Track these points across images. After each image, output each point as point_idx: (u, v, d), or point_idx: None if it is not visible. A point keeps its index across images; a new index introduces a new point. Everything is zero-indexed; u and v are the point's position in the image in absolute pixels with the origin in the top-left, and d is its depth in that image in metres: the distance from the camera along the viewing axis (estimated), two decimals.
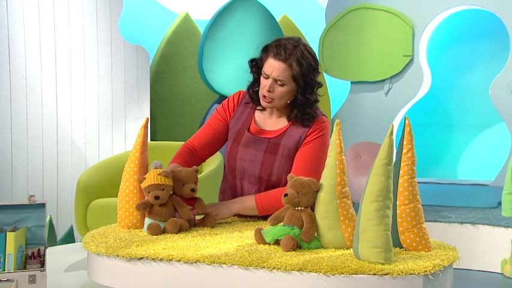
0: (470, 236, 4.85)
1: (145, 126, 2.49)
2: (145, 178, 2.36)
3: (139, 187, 2.41)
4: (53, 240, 5.28)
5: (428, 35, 7.29)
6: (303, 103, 2.63)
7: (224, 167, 2.83)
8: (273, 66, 2.57)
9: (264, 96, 2.62)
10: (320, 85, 2.66)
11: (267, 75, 2.59)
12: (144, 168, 2.49)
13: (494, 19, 6.86)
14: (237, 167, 2.70)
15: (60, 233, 5.60)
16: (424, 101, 7.41)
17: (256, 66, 2.68)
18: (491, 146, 7.31)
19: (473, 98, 7.40)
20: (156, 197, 2.32)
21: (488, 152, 7.33)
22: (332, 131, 2.15)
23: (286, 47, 2.57)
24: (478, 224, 4.87)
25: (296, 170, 2.58)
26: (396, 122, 7.38)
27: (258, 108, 2.74)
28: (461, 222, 4.92)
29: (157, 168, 2.38)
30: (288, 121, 2.68)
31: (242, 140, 2.70)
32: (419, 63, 7.17)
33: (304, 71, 2.58)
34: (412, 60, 7.16)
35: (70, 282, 4.25)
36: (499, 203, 5.51)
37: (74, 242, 5.53)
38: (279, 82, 2.58)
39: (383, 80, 7.30)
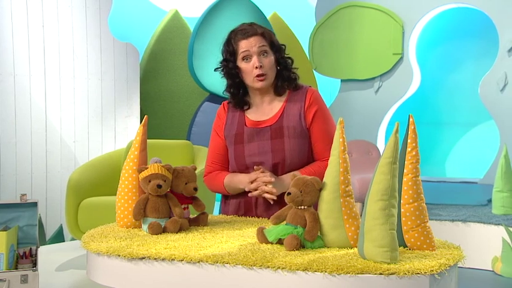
0: (461, 233, 4.86)
1: (145, 125, 2.46)
2: (146, 168, 2.34)
3: (139, 186, 2.39)
4: (42, 240, 5.25)
5: (418, 33, 7.32)
6: (285, 64, 2.70)
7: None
8: (250, 43, 2.63)
9: (257, 76, 2.63)
10: (284, 45, 2.74)
11: (248, 55, 2.63)
12: None
13: (483, 17, 6.90)
14: (247, 163, 2.68)
15: (49, 232, 5.56)
16: (414, 99, 7.43)
17: (231, 61, 2.68)
18: (480, 143, 7.35)
19: (463, 95, 7.44)
20: (159, 186, 2.30)
21: (477, 150, 7.38)
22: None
23: (245, 27, 2.67)
24: (469, 221, 4.89)
25: (319, 151, 2.65)
26: (386, 120, 7.40)
27: (245, 108, 2.75)
28: (452, 220, 4.93)
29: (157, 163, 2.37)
30: (279, 94, 2.71)
31: (244, 137, 2.69)
32: (409, 61, 7.20)
33: (273, 36, 2.69)
34: (401, 58, 7.19)
35: (62, 282, 4.22)
36: (489, 201, 5.54)
37: (64, 241, 5.49)
38: (263, 54, 2.63)
39: (373, 78, 7.33)
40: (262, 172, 2.60)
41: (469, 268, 4.70)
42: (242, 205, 2.71)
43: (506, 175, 5.00)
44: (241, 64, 2.66)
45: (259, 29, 2.65)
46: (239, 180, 2.67)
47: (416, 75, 7.29)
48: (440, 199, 5.69)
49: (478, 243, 4.78)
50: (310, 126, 2.67)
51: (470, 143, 7.46)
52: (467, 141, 7.49)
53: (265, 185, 2.56)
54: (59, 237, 5.50)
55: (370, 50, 7.28)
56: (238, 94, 2.73)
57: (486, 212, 5.16)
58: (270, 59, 2.64)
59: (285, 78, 2.70)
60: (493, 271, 4.72)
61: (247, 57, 2.64)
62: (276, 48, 2.68)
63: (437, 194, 6.06)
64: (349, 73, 7.42)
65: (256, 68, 2.62)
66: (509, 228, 4.63)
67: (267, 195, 2.57)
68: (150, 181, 2.33)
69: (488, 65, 6.87)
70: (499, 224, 4.72)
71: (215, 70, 2.75)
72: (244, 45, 2.63)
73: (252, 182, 2.59)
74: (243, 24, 2.71)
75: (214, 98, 6.26)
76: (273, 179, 2.56)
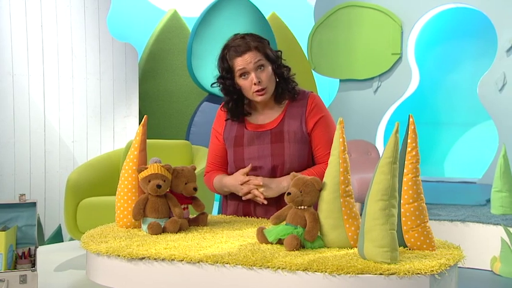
0: (460, 233, 4.87)
1: (144, 125, 2.46)
2: (146, 168, 2.34)
3: (138, 186, 2.38)
4: (41, 240, 5.24)
5: (417, 33, 7.32)
6: (282, 73, 2.68)
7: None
8: (245, 60, 2.60)
9: (256, 91, 2.62)
10: (280, 52, 2.73)
11: (245, 72, 2.61)
12: None
13: (481, 17, 6.90)
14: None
15: (48, 232, 5.55)
16: (412, 98, 7.44)
17: (228, 78, 2.67)
18: (479, 143, 7.35)
19: (461, 95, 7.45)
20: (158, 186, 2.30)
21: (475, 150, 7.38)
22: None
23: (238, 42, 2.63)
24: (468, 221, 4.90)
25: (321, 156, 2.65)
26: (385, 120, 7.40)
27: (246, 115, 2.75)
28: (451, 220, 4.94)
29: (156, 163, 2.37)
30: (279, 102, 2.70)
31: (244, 140, 2.69)
32: (408, 61, 7.20)
33: (267, 47, 2.66)
34: (400, 58, 7.19)
35: (60, 282, 4.22)
36: (488, 201, 5.55)
37: (62, 241, 5.48)
38: (260, 68, 2.61)
39: (372, 78, 7.33)
40: (249, 175, 2.62)
41: (467, 268, 4.70)
42: (241, 207, 2.72)
43: (505, 175, 5.01)
44: (240, 81, 2.64)
45: (253, 43, 2.61)
46: (225, 184, 2.69)
47: (415, 75, 7.29)
48: (439, 199, 5.70)
49: (477, 243, 4.79)
50: (311, 132, 2.67)
51: (469, 143, 7.46)
52: (466, 141, 7.49)
53: (256, 188, 2.58)
54: (57, 237, 5.49)
55: (369, 50, 7.29)
56: (237, 108, 2.72)
57: (485, 212, 5.16)
58: (267, 72, 2.62)
59: (284, 88, 2.69)
60: (491, 271, 4.72)
61: (244, 74, 2.62)
62: (272, 59, 2.65)
63: (436, 194, 6.07)
64: (348, 73, 7.42)
65: (255, 84, 2.61)
66: (508, 228, 4.63)
67: (258, 200, 2.60)
68: (149, 181, 2.32)
69: (486, 65, 6.88)
70: (497, 224, 4.73)
71: (212, 86, 2.75)
72: (240, 63, 2.61)
73: (243, 184, 2.60)
74: (235, 37, 2.67)
75: (213, 98, 6.25)
76: (261, 183, 2.57)
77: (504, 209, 5.00)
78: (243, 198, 2.62)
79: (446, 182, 7.09)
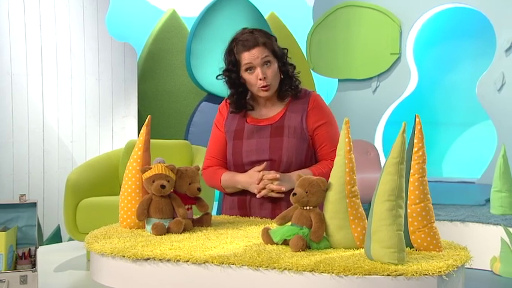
0: (460, 233, 4.86)
1: (148, 125, 2.45)
2: (150, 168, 2.33)
3: (142, 186, 2.37)
4: (40, 240, 5.23)
5: (416, 32, 7.32)
6: (287, 71, 2.71)
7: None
8: (252, 55, 2.62)
9: (261, 87, 2.65)
10: (286, 49, 2.76)
11: (251, 67, 2.64)
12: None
13: (480, 17, 6.91)
14: (244, 161, 2.69)
15: (47, 232, 5.53)
16: (411, 98, 7.43)
17: (234, 72, 2.69)
18: (478, 143, 7.35)
19: (460, 95, 7.45)
20: (162, 186, 2.29)
21: (474, 150, 7.38)
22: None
23: (246, 37, 2.65)
24: (468, 221, 4.89)
25: (326, 152, 2.68)
26: (384, 120, 7.40)
27: (249, 109, 2.77)
28: (451, 220, 4.94)
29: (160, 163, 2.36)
30: (282, 99, 2.73)
31: (244, 133, 2.71)
32: (407, 61, 7.20)
33: (274, 43, 2.69)
34: (399, 58, 7.19)
35: (60, 282, 4.22)
36: (487, 201, 5.55)
37: (61, 241, 5.47)
38: (266, 64, 2.64)
39: (370, 78, 7.33)
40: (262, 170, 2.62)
41: (467, 268, 4.68)
42: (236, 201, 2.73)
43: (505, 175, 5.01)
44: (245, 75, 2.67)
45: (261, 39, 2.64)
46: (237, 181, 2.69)
47: (413, 75, 7.29)
48: (438, 199, 5.68)
49: (477, 243, 4.78)
50: (315, 131, 2.69)
51: (468, 143, 7.46)
52: (465, 141, 7.49)
53: (271, 183, 2.58)
54: (56, 237, 5.48)
55: (368, 49, 7.28)
56: (240, 101, 2.75)
57: (484, 212, 5.16)
58: (273, 68, 2.65)
59: (288, 85, 2.72)
60: (491, 271, 4.72)
61: (250, 68, 2.65)
62: (278, 55, 2.68)
63: (435, 194, 6.01)
64: (346, 73, 7.42)
65: (260, 80, 2.63)
66: (508, 228, 4.63)
67: (273, 194, 2.59)
68: (153, 181, 2.31)
69: (485, 64, 6.88)
70: (497, 224, 4.73)
71: (217, 78, 2.76)
72: (247, 57, 2.63)
73: (258, 183, 2.60)
74: (244, 31, 2.69)
75: (212, 97, 6.24)
76: (278, 175, 2.58)
77: (504, 209, 5.00)
78: (258, 195, 2.61)
79: (445, 182, 7.09)
